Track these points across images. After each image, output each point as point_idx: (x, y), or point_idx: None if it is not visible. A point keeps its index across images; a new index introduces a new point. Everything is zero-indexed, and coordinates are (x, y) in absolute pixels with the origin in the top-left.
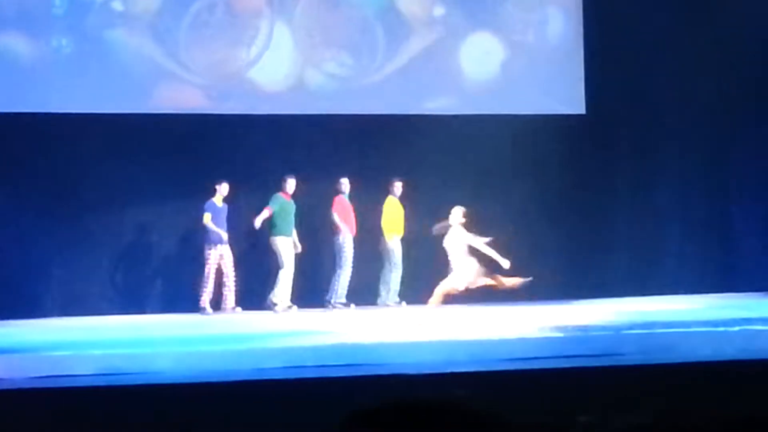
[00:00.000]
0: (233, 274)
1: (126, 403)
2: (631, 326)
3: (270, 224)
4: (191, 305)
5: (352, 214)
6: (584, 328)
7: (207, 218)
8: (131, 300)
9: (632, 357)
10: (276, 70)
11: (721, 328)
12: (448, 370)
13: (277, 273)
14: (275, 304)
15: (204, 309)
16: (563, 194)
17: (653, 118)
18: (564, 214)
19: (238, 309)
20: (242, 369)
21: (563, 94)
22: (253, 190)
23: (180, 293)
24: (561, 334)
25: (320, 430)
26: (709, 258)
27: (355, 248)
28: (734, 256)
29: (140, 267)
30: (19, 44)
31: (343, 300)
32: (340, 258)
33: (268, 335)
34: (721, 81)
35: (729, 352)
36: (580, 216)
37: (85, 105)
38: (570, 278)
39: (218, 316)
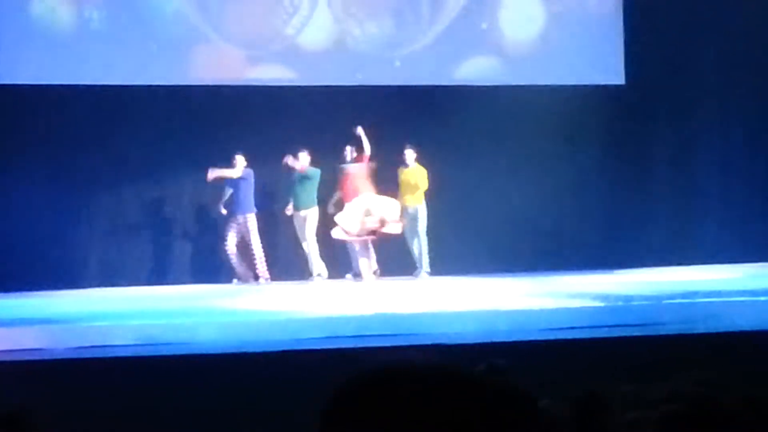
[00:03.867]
0: (259, 244)
1: (165, 373)
2: (672, 296)
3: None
4: (229, 276)
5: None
6: (625, 298)
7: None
8: (169, 270)
9: (673, 326)
10: (313, 37)
11: (762, 298)
12: (489, 340)
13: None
14: (318, 275)
15: (237, 280)
16: (602, 165)
17: (693, 89)
18: (604, 184)
19: (263, 280)
20: (281, 339)
21: (602, 63)
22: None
23: (218, 263)
24: (602, 304)
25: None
26: (749, 227)
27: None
28: None
29: (179, 238)
30: (53, 15)
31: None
32: None
33: (306, 306)
34: (764, 50)
35: None
36: (621, 186)
37: (121, 77)
38: (611, 247)
39: (256, 287)
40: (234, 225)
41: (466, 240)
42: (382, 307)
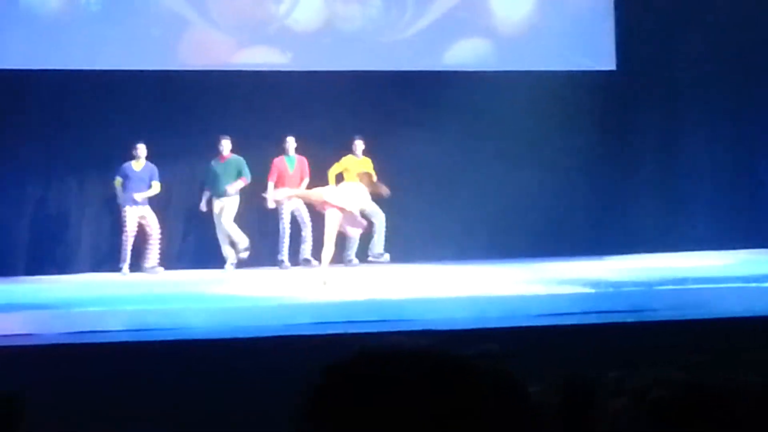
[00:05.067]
0: (157, 234)
1: (157, 358)
2: (663, 282)
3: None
4: (220, 261)
5: (286, 176)
6: (616, 284)
7: (117, 182)
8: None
9: (664, 313)
10: (302, 20)
11: (753, 284)
12: (479, 326)
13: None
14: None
15: (121, 269)
16: (593, 151)
17: (684, 75)
18: (595, 170)
19: (160, 269)
20: (272, 325)
21: (593, 49)
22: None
23: (209, 248)
24: (593, 290)
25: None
26: (740, 213)
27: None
28: (766, 211)
29: (170, 223)
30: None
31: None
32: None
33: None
34: (755, 35)
35: (760, 307)
36: (611, 172)
37: (109, 61)
38: (602, 234)
39: (240, 273)
40: (133, 218)
41: (457, 227)
42: (373, 293)
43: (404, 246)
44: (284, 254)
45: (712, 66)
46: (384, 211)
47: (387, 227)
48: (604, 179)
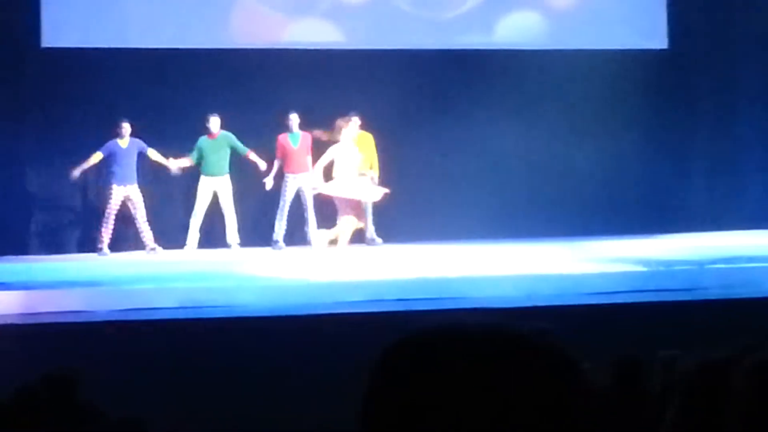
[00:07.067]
0: (144, 214)
1: (208, 335)
2: (714, 261)
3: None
4: (268, 240)
5: (291, 153)
6: (667, 263)
7: (96, 158)
8: (212, 234)
9: (715, 291)
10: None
11: None
12: (531, 304)
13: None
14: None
15: (101, 249)
16: (645, 130)
17: (737, 53)
18: (646, 149)
19: (158, 248)
20: (323, 302)
21: (644, 27)
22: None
23: (258, 227)
24: (644, 269)
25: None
26: None
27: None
28: None
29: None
30: None
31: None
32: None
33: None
34: None
35: None
36: (663, 151)
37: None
38: (653, 212)
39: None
40: (118, 196)
41: (508, 205)
42: (424, 272)
43: (456, 224)
44: (280, 234)
45: (765, 43)
46: (434, 189)
47: (437, 205)
48: (655, 158)
